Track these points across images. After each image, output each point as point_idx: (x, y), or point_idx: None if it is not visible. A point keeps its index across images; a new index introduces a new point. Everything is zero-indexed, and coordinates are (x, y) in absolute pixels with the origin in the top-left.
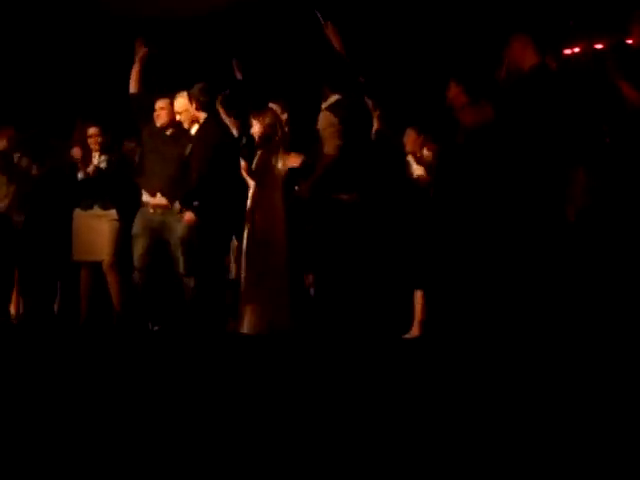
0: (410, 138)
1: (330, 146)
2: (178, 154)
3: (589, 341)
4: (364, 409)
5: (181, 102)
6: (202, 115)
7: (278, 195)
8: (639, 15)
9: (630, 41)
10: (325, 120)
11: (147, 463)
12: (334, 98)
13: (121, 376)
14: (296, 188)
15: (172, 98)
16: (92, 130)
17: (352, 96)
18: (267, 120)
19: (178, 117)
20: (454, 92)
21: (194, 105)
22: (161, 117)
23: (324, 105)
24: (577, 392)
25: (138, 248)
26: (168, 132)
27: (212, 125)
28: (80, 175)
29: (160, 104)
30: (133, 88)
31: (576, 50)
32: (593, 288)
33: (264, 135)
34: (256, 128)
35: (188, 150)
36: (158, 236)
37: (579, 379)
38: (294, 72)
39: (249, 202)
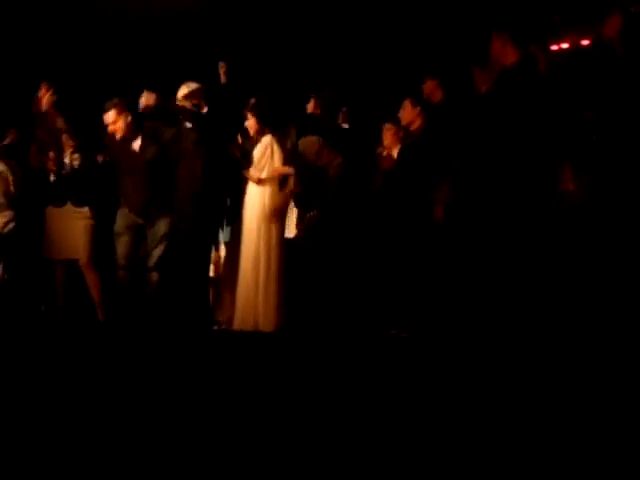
0: (389, 133)
1: (332, 168)
2: (144, 165)
3: (578, 335)
4: (355, 407)
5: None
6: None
7: (270, 191)
8: (616, 10)
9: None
10: (309, 147)
11: (133, 460)
12: (293, 129)
13: (106, 374)
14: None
15: (119, 107)
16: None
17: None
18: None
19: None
20: (430, 87)
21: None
22: (119, 130)
23: (290, 142)
24: (575, 388)
25: (121, 246)
26: (133, 144)
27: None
28: (52, 177)
29: (110, 119)
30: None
31: (563, 46)
32: (583, 284)
33: (259, 129)
34: (252, 122)
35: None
36: (140, 232)
37: (577, 376)
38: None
39: (245, 199)
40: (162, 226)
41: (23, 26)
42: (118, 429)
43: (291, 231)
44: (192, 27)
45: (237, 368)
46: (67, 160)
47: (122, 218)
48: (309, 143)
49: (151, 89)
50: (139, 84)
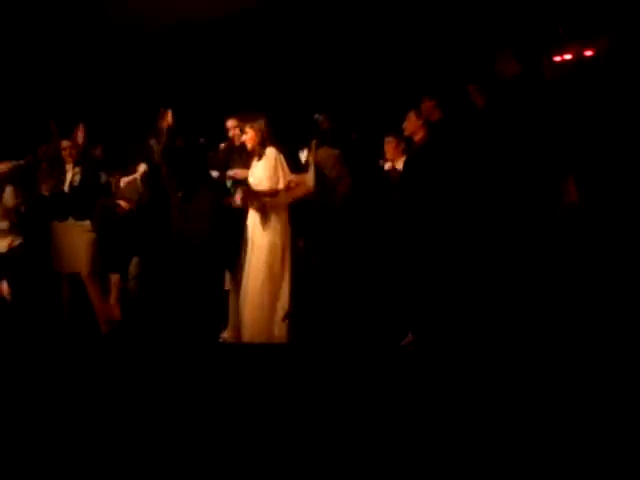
0: (390, 146)
1: (341, 186)
2: None
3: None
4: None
5: None
6: None
7: (282, 207)
8: None
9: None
10: (328, 159)
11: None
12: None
13: (110, 387)
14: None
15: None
16: (66, 143)
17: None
18: (259, 125)
19: None
20: (428, 107)
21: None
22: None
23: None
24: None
25: (136, 258)
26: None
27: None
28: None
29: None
30: None
31: (566, 57)
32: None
33: (260, 141)
34: (249, 135)
35: None
36: None
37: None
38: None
39: (250, 213)
40: None
41: (36, 43)
42: (126, 440)
43: None
44: (199, 42)
45: (248, 380)
46: (69, 174)
47: None
48: (328, 155)
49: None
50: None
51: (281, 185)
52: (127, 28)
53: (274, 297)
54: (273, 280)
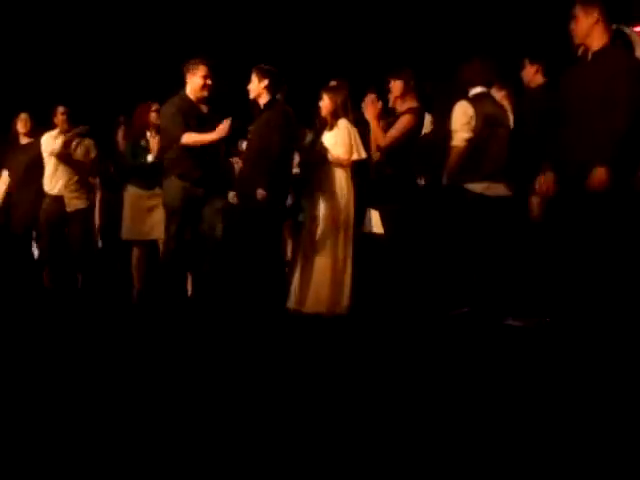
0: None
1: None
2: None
3: None
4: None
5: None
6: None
7: (346, 176)
8: None
9: None
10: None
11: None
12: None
13: (181, 352)
14: None
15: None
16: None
17: None
18: (340, 97)
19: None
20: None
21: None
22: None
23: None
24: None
25: (173, 226)
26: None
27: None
28: (150, 158)
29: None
30: None
31: None
32: None
33: (333, 112)
34: (326, 102)
35: None
36: (196, 211)
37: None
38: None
39: (314, 181)
40: (219, 201)
41: None
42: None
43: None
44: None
45: (311, 351)
46: (151, 141)
47: (181, 194)
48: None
49: None
50: None
51: (355, 156)
52: None
53: (341, 268)
54: (341, 251)
